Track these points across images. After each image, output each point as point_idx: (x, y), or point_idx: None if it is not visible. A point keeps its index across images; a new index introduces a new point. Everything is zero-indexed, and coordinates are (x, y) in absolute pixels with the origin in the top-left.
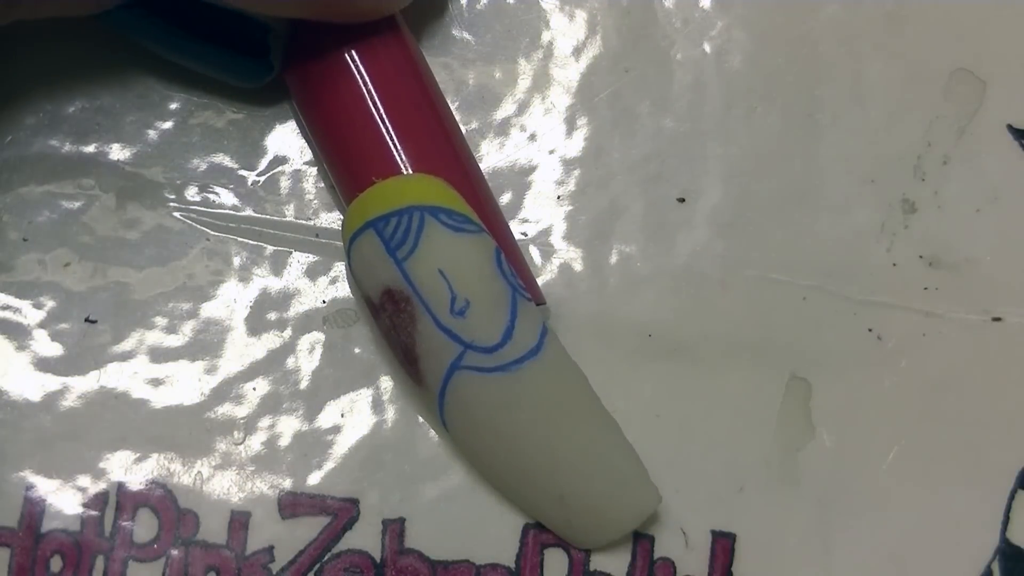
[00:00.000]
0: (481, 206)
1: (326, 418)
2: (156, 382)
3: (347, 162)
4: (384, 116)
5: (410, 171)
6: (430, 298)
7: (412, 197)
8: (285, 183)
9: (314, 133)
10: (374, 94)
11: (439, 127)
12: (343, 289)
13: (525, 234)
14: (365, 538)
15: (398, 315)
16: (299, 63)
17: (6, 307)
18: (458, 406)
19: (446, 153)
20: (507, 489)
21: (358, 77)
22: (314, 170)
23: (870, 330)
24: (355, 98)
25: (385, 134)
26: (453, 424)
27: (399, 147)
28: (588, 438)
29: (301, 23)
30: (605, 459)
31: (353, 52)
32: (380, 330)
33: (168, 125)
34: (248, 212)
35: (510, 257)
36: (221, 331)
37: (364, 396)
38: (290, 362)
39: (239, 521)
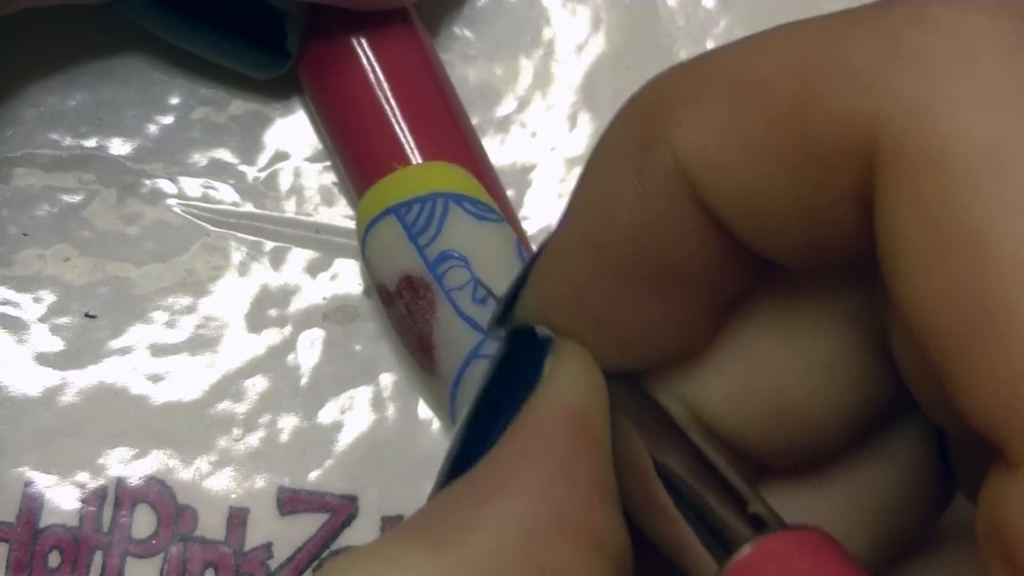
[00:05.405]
0: (496, 199)
1: (325, 415)
2: (155, 378)
3: (364, 150)
4: (403, 105)
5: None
6: (452, 285)
7: (436, 184)
8: (285, 179)
9: (329, 122)
10: (393, 83)
11: (456, 119)
12: (343, 285)
13: (526, 231)
14: (364, 535)
15: (416, 302)
16: (314, 53)
17: (6, 301)
18: None
19: (463, 144)
20: None
21: (376, 66)
22: (315, 166)
23: None
24: (374, 86)
25: (404, 123)
26: None
27: (419, 136)
28: None
29: (316, 12)
30: None
31: (370, 42)
32: (391, 320)
33: (169, 120)
34: (248, 208)
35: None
36: (221, 327)
37: (364, 393)
38: (290, 358)
39: (237, 517)
